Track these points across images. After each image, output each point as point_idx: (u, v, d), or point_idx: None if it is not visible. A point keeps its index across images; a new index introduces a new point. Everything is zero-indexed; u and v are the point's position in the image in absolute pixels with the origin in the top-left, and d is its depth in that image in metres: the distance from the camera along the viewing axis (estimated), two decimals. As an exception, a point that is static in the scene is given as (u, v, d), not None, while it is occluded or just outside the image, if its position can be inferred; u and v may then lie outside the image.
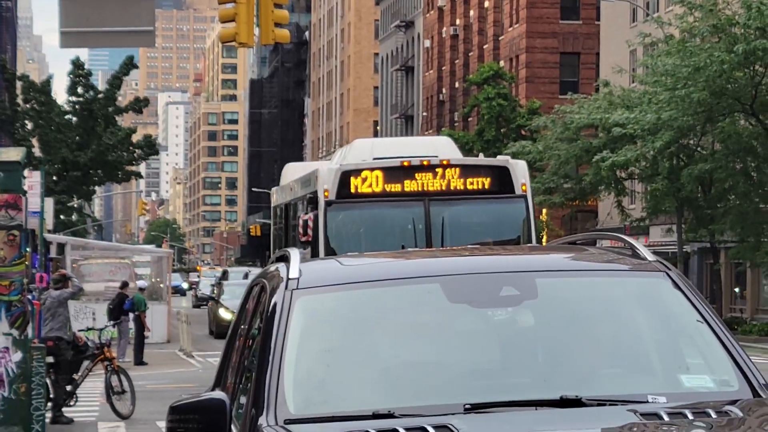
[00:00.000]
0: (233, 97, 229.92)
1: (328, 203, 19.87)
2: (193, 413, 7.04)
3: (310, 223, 19.59)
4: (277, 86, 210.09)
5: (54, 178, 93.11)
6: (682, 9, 76.00)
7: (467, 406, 6.52)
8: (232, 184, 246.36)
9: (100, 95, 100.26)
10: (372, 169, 20.47)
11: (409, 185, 20.53)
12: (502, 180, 21.15)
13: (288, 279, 7.99)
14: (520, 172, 21.59)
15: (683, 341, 8.00)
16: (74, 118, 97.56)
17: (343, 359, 7.65)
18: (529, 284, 7.97)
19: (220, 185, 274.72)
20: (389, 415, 6.43)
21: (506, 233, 20.10)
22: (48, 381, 27.44)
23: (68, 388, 30.89)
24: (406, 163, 20.92)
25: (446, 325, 7.94)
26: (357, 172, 20.44)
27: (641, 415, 6.34)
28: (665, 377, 7.61)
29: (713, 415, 6.41)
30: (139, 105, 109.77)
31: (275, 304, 7.83)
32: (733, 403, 6.76)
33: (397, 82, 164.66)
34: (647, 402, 6.73)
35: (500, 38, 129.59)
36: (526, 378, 7.37)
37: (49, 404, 27.36)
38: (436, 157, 22.35)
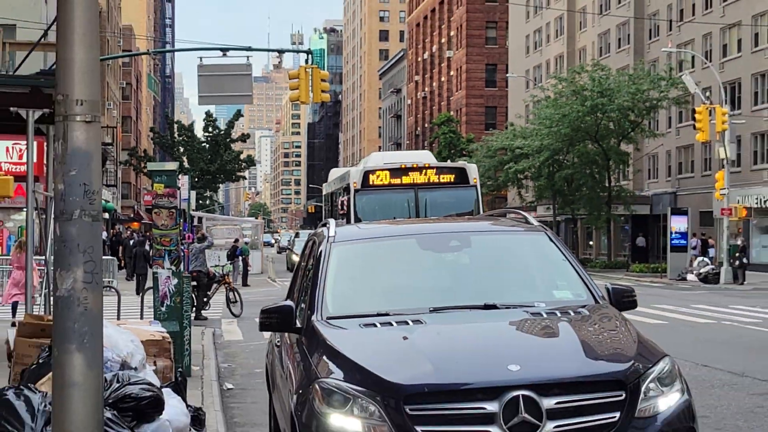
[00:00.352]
0: (298, 133, 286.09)
1: (356, 191, 25.59)
2: (274, 313, 9.58)
3: (346, 203, 25.79)
4: (323, 126, 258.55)
5: (195, 179, 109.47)
6: (554, 80, 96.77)
7: (431, 309, 9.16)
8: (297, 182, 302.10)
9: (221, 132, 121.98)
10: (383, 170, 26.43)
11: (405, 179, 26.58)
12: (461, 176, 27.01)
13: (328, 236, 10.70)
14: (472, 171, 27.99)
15: (554, 271, 10.61)
16: (207, 145, 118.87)
17: (359, 283, 10.38)
18: (466, 239, 11.20)
19: (290, 183, 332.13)
20: (386, 314, 9.02)
21: (464, 208, 25.59)
22: (193, 296, 33.03)
23: (204, 299, 38.35)
24: (403, 166, 26.99)
25: (418, 262, 10.72)
26: (373, 171, 26.35)
27: (531, 313, 8.99)
28: (544, 292, 10.05)
29: (572, 313, 9.05)
30: (244, 138, 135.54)
31: (321, 251, 10.49)
32: (583, 306, 9.38)
33: (391, 124, 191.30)
34: (534, 306, 9.24)
35: (451, 98, 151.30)
36: (465, 293, 9.75)
37: (193, 309, 32.24)
38: (421, 162, 28.88)
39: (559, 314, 8.79)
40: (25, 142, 16.26)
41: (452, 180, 25.48)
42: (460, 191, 25.36)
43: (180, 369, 14.23)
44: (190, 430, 10.81)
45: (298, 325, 9.15)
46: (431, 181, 24.95)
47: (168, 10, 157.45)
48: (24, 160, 29.33)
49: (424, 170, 24.76)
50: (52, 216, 5.80)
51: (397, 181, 24.71)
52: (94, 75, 6.10)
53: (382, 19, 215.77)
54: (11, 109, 17.14)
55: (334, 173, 43.84)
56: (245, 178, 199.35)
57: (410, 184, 24.63)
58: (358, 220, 23.04)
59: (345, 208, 24.25)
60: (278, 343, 10.49)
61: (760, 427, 14.00)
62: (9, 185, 43.37)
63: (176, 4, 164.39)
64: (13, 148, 49.35)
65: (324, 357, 8.01)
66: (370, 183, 24.27)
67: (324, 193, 45.51)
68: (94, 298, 6.05)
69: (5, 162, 51.15)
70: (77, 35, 6.05)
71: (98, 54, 6.25)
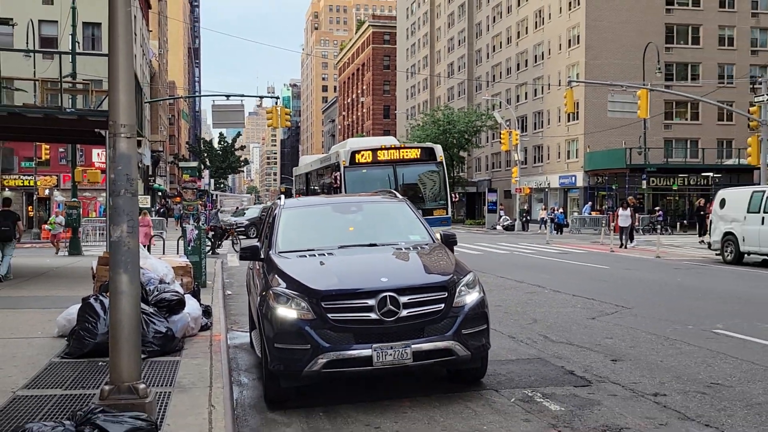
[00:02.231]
0: (275, 145, 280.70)
1: (346, 167, 21.81)
2: (248, 249, 9.32)
3: (338, 178, 21.88)
4: (290, 141, 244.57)
5: (213, 173, 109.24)
6: (422, 115, 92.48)
7: (339, 246, 8.98)
8: (275, 173, 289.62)
9: (229, 144, 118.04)
10: (366, 149, 22.65)
11: (385, 157, 22.67)
12: (430, 154, 23.15)
13: (280, 205, 10.31)
14: (438, 151, 23.69)
15: (410, 225, 10.04)
16: (220, 152, 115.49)
17: (297, 232, 9.65)
18: (360, 206, 10.81)
19: (270, 174, 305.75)
20: (312, 250, 8.82)
21: (433, 180, 22.83)
22: (208, 240, 29.33)
23: (218, 243, 34.18)
24: (383, 146, 23.28)
25: (332, 220, 10.29)
26: (358, 152, 22.35)
27: (395, 248, 8.98)
28: (404, 236, 9.64)
29: (419, 248, 9.01)
30: (242, 148, 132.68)
31: (275, 213, 10.10)
32: (426, 245, 9.31)
33: (329, 140, 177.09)
34: (398, 245, 9.16)
35: (364, 125, 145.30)
36: (359, 237, 9.50)
37: (209, 248, 28.65)
38: (397, 143, 25.64)
39: (411, 249, 8.81)
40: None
41: (423, 157, 22.72)
42: (429, 166, 22.64)
43: (197, 283, 14.23)
44: (201, 317, 10.87)
45: (262, 256, 9.07)
46: (405, 158, 22.34)
47: (196, 72, 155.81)
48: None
49: (400, 150, 22.41)
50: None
51: (378, 158, 21.99)
52: (131, 109, 6.03)
53: (324, 78, 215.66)
54: (96, 130, 16.96)
55: (303, 159, 39.99)
56: (243, 172, 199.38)
57: (389, 161, 21.99)
58: (347, 191, 20.78)
59: (338, 182, 21.61)
60: (251, 267, 10.29)
61: (532, 311, 14.03)
62: (98, 175, 43.07)
63: (202, 68, 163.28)
64: (101, 153, 49.00)
65: (275, 275, 7.98)
66: (357, 161, 21.62)
67: (295, 175, 40.48)
68: (133, 242, 6.01)
69: (98, 161, 50.64)
70: (121, 85, 5.98)
71: (134, 97, 6.14)
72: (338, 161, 21.67)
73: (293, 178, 40.74)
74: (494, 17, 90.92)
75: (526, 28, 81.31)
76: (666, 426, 6.62)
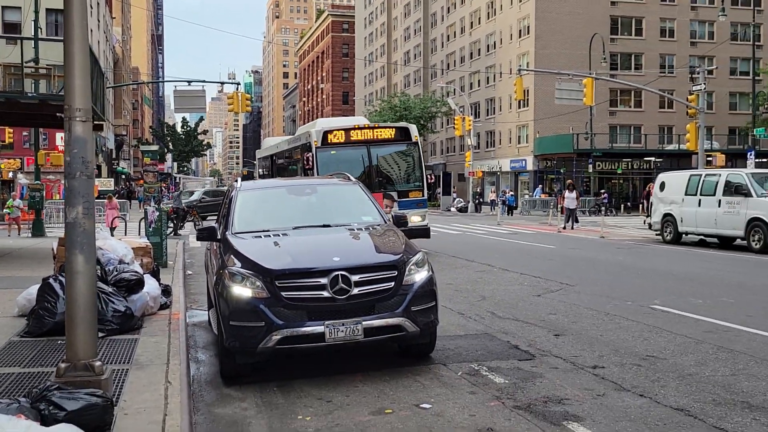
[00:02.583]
0: (237, 130, 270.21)
1: (317, 148, 19.72)
2: (205, 230, 9.21)
3: (310, 160, 19.64)
4: (251, 126, 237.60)
5: (177, 156, 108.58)
6: (380, 101, 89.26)
7: (293, 227, 8.81)
8: (237, 157, 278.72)
9: (192, 129, 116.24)
10: (339, 130, 20.45)
11: (358, 137, 20.57)
12: (405, 134, 20.95)
13: (237, 187, 10.21)
14: (413, 130, 21.50)
15: (362, 207, 9.86)
16: (183, 136, 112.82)
17: (252, 213, 9.47)
18: (314, 188, 10.67)
19: (233, 158, 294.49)
20: (267, 231, 8.68)
21: (408, 161, 20.93)
22: (171, 221, 29.37)
23: (180, 224, 33.51)
24: (356, 126, 21.24)
25: (286, 202, 10.03)
26: (331, 131, 20.17)
27: (348, 229, 8.82)
28: (356, 218, 9.44)
29: (371, 229, 8.92)
30: (205, 132, 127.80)
31: (232, 195, 10.02)
32: (378, 226, 9.21)
33: (289, 126, 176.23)
34: (350, 225, 8.98)
35: (324, 111, 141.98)
36: (312, 218, 9.27)
37: (170, 229, 28.46)
38: (371, 123, 23.42)
39: (363, 230, 8.76)
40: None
41: (397, 137, 20.87)
42: (404, 146, 20.92)
43: (157, 263, 14.15)
44: (161, 296, 10.78)
45: (219, 237, 8.94)
46: (379, 138, 20.60)
47: (159, 59, 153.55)
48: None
49: (374, 129, 20.75)
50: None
51: (351, 138, 20.28)
52: (87, 94, 5.91)
53: (284, 66, 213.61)
54: (57, 114, 16.68)
55: (267, 142, 37.13)
56: (206, 156, 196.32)
57: (362, 141, 20.29)
58: (320, 173, 19.11)
59: (309, 163, 19.83)
60: (209, 248, 10.17)
61: (481, 288, 14.05)
62: (61, 158, 42.32)
63: (165, 55, 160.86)
64: (64, 137, 48.19)
65: (231, 255, 7.91)
66: (329, 141, 19.89)
67: (258, 158, 36.96)
68: (89, 223, 5.92)
69: (61, 145, 49.78)
70: (76, 70, 5.86)
71: (89, 81, 6.02)
72: (309, 141, 20.25)
73: (256, 161, 38.08)
74: (449, 8, 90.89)
75: (479, 18, 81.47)
76: (603, 396, 6.69)
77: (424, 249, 10.97)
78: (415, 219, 19.64)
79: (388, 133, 20.72)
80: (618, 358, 8.19)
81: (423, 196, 21.15)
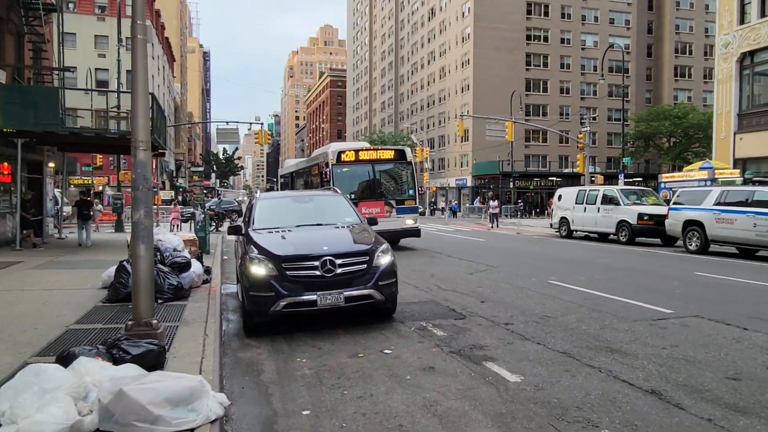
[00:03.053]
0: (263, 156, 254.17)
1: (333, 165, 18.04)
2: (234, 227, 8.94)
3: (327, 174, 18.01)
4: (273, 154, 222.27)
5: (219, 175, 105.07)
6: (364, 138, 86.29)
7: (296, 225, 8.50)
8: (263, 176, 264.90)
9: (230, 155, 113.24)
10: (350, 150, 18.65)
11: (365, 157, 18.61)
12: (402, 155, 18.99)
13: (257, 197, 10.05)
14: (408, 153, 19.48)
15: (345, 211, 9.48)
16: (224, 161, 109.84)
17: (267, 215, 9.07)
18: (311, 198, 10.21)
19: (260, 177, 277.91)
20: (277, 228, 8.38)
21: (403, 177, 18.77)
22: (212, 221, 26.44)
23: (220, 223, 31.10)
24: (363, 148, 19.29)
25: (291, 207, 9.66)
26: (344, 152, 18.50)
27: (334, 227, 8.58)
28: (340, 219, 9.10)
29: (350, 227, 8.61)
30: (239, 158, 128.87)
31: (253, 202, 9.67)
32: (356, 225, 8.89)
33: (299, 154, 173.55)
34: (336, 224, 8.74)
35: (324, 143, 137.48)
36: (309, 219, 8.91)
37: (213, 227, 25.45)
38: (375, 146, 20.77)
39: (345, 227, 8.58)
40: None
41: (395, 157, 18.97)
42: (401, 165, 19.07)
43: (201, 251, 14.02)
44: (203, 274, 10.69)
45: (243, 231, 8.70)
46: (381, 158, 18.78)
47: (207, 106, 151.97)
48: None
49: (377, 150, 19.10)
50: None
51: (360, 158, 18.52)
52: (147, 130, 5.88)
53: (296, 111, 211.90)
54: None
55: (288, 162, 32.36)
56: (240, 174, 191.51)
57: (368, 160, 18.60)
58: (336, 185, 16.79)
59: (327, 176, 18.32)
60: (237, 240, 10.01)
61: (431, 269, 13.81)
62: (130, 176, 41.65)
63: (211, 102, 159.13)
64: (131, 161, 47.33)
65: (251, 245, 7.76)
66: (342, 159, 18.26)
67: (280, 175, 33.16)
68: (148, 222, 5.89)
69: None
70: (140, 113, 5.82)
71: (149, 122, 5.98)
72: (327, 160, 18.63)
73: (278, 178, 34.52)
74: (412, 71, 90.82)
75: (434, 79, 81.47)
76: (511, 344, 6.73)
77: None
78: (408, 222, 18.58)
79: (388, 154, 19.14)
80: (523, 317, 8.21)
81: (415, 204, 19.61)
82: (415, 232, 18.86)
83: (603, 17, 72.28)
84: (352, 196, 16.73)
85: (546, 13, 70.96)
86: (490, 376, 5.61)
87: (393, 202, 18.78)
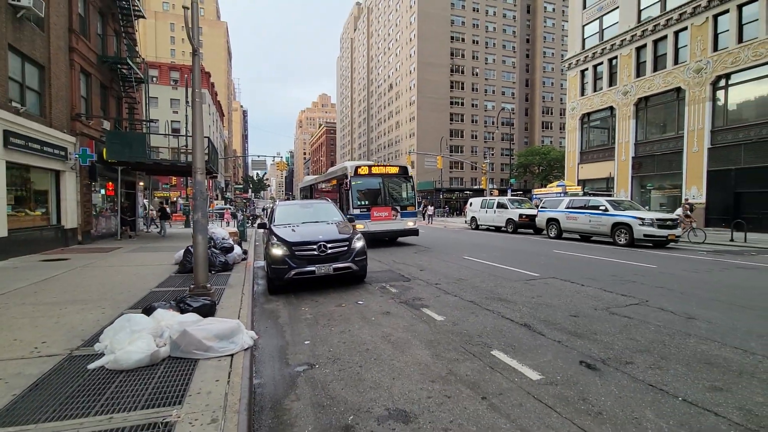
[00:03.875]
0: (282, 179, 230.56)
1: (351, 177, 14.69)
2: (262, 224, 8.16)
3: (347, 184, 14.54)
4: (289, 176, 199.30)
5: (253, 189, 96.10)
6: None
7: (302, 222, 7.88)
8: (284, 191, 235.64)
9: (260, 177, 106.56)
10: (365, 166, 15.23)
11: (376, 171, 15.22)
12: (404, 171, 15.62)
13: (275, 203, 9.20)
14: (409, 169, 16.02)
15: (334, 211, 8.71)
16: (256, 180, 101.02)
17: (284, 215, 8.34)
18: (312, 204, 9.08)
19: (282, 193, 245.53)
20: (290, 224, 7.75)
21: (405, 189, 15.51)
22: (249, 219, 24.38)
23: (253, 221, 26.45)
24: (375, 164, 15.76)
25: (299, 210, 8.66)
26: (360, 167, 15.15)
27: (327, 223, 7.86)
28: (332, 217, 8.19)
29: (338, 223, 7.88)
30: (267, 179, 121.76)
31: (273, 207, 8.90)
32: (341, 222, 8.02)
33: (306, 174, 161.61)
34: (329, 221, 7.94)
35: (322, 172, 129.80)
36: (311, 217, 8.25)
37: (249, 223, 23.49)
38: (384, 163, 18.21)
39: (333, 223, 8.04)
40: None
41: (400, 172, 15.89)
42: (404, 178, 15.86)
43: (241, 239, 13.60)
44: (242, 254, 10.30)
45: (267, 226, 8.10)
46: (389, 173, 15.72)
47: (246, 145, 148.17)
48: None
49: (386, 167, 15.86)
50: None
51: (372, 172, 15.43)
52: (203, 160, 5.72)
53: (304, 150, 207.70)
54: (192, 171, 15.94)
55: (306, 178, 24.69)
56: (267, 189, 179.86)
57: (379, 174, 15.55)
58: (354, 195, 14.74)
59: (347, 186, 15.24)
60: (263, 232, 9.62)
61: (389, 252, 13.51)
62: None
63: (249, 143, 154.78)
64: (192, 180, 45.76)
65: (273, 235, 7.45)
66: (358, 173, 15.18)
67: (300, 187, 26.11)
68: (204, 221, 5.72)
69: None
70: (197, 148, 5.66)
71: (204, 154, 5.82)
72: (346, 173, 15.75)
73: (298, 190, 27.21)
74: (378, 123, 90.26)
75: (392, 128, 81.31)
76: (439, 297, 6.65)
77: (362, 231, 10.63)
78: (409, 224, 15.67)
79: (394, 170, 16.04)
80: (446, 280, 8.12)
81: (414, 210, 16.21)
82: (414, 232, 15.87)
83: (498, 91, 73.44)
84: (366, 202, 14.28)
85: (462, 88, 71.68)
86: (425, 317, 5.56)
87: (398, 208, 15.90)
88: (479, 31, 68.97)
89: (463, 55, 69.04)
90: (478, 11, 68.79)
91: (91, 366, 3.71)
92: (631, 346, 4.37)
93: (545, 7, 71.67)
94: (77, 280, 7.42)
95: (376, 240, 14.24)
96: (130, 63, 16.31)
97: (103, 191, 15.68)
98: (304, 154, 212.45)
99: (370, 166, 16.04)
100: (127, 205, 18.23)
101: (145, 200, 22.90)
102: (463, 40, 68.40)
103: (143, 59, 19.48)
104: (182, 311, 4.82)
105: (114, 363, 3.66)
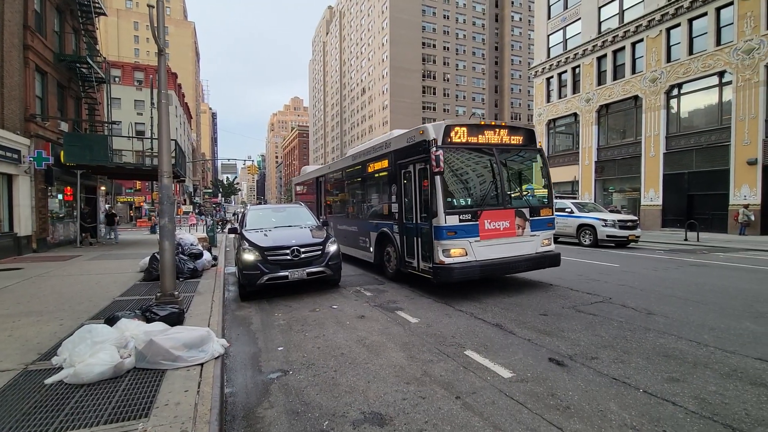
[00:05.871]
0: (253, 183, 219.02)
1: (440, 149, 6.22)
2: (232, 229, 7.77)
3: (426, 169, 6.52)
4: (261, 179, 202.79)
5: (224, 196, 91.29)
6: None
7: (274, 227, 7.70)
8: (255, 195, 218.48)
9: (232, 181, 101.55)
10: (463, 126, 6.68)
11: (485, 138, 6.70)
12: (530, 138, 7.18)
13: (246, 208, 9.19)
14: (537, 134, 7.39)
15: (307, 216, 8.46)
16: (227, 185, 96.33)
17: (255, 220, 8.14)
18: (284, 208, 8.84)
19: (253, 198, 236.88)
20: (261, 228, 7.56)
21: (534, 174, 7.29)
22: (218, 225, 22.92)
23: (223, 226, 25.80)
24: (483, 122, 6.88)
25: (270, 214, 8.51)
26: (455, 126, 6.61)
27: (301, 227, 7.43)
28: (305, 221, 8.09)
29: (311, 227, 7.62)
30: (237, 183, 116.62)
31: (245, 211, 8.66)
32: (316, 226, 7.79)
33: (278, 181, 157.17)
34: (302, 225, 7.69)
35: (296, 175, 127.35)
36: (283, 221, 8.06)
37: (219, 228, 22.53)
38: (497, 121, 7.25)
39: (307, 227, 7.92)
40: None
41: (524, 141, 6.91)
42: (532, 153, 7.01)
43: (210, 245, 13.22)
44: (212, 260, 10.01)
45: (239, 231, 7.90)
46: (506, 142, 6.75)
47: (215, 149, 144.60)
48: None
49: (500, 129, 6.76)
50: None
51: (479, 139, 6.51)
52: (169, 164, 5.56)
53: (276, 153, 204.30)
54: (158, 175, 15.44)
55: (306, 169, 14.31)
56: (238, 194, 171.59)
57: (490, 145, 6.61)
58: (447, 180, 6.22)
59: (436, 165, 5.92)
60: (234, 237, 9.54)
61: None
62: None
63: (218, 146, 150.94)
64: (158, 184, 44.48)
65: (244, 239, 7.29)
66: (452, 138, 6.22)
67: (294, 183, 15.17)
68: (170, 226, 5.55)
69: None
70: (164, 151, 5.51)
71: (170, 158, 5.67)
72: (427, 138, 6.56)
73: (292, 187, 17.19)
74: (351, 127, 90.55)
75: (366, 132, 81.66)
76: (413, 300, 6.61)
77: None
78: (544, 242, 7.35)
79: (516, 137, 7.37)
80: (420, 282, 8.10)
81: (552, 214, 7.66)
82: (552, 260, 7.34)
83: (468, 96, 75.04)
84: (468, 200, 6.68)
85: (434, 93, 72.81)
86: (399, 320, 5.53)
87: (526, 212, 7.57)
88: (450, 38, 70.20)
89: (434, 61, 70.05)
90: (448, 18, 70.02)
91: (49, 381, 3.54)
92: (596, 342, 4.49)
93: (512, 17, 73.79)
94: (32, 291, 7.07)
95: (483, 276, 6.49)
96: (90, 62, 15.65)
97: (60, 196, 14.98)
98: (277, 157, 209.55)
99: (474, 127, 6.98)
100: (88, 210, 17.43)
101: (107, 205, 22.04)
102: (434, 46, 69.40)
103: (105, 58, 18.79)
104: (148, 320, 4.65)
105: (74, 377, 3.49)
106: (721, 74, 17.43)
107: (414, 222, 7.06)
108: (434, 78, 71.24)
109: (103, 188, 20.84)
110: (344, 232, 10.12)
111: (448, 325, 5.29)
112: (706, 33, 18.02)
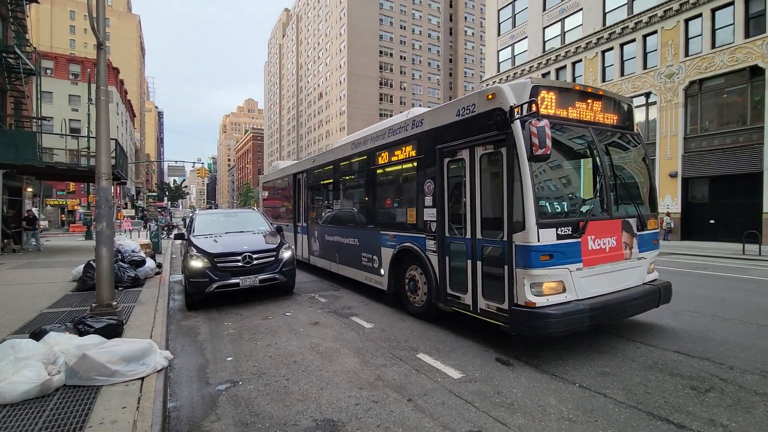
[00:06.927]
0: (204, 185, 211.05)
1: (525, 118, 3.39)
2: (179, 235, 7.49)
3: (505, 150, 3.59)
4: (211, 183, 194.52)
5: (170, 199, 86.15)
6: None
7: (225, 232, 7.56)
8: (205, 200, 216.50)
9: (179, 184, 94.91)
10: (556, 88, 3.78)
11: (582, 113, 3.68)
12: (628, 116, 4.10)
13: (195, 212, 8.87)
14: (634, 112, 4.16)
15: (260, 221, 8.28)
16: (174, 188, 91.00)
17: (204, 225, 7.94)
18: (236, 213, 8.65)
19: (203, 203, 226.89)
20: (211, 234, 7.41)
21: (640, 165, 4.27)
22: (164, 230, 23.02)
23: (169, 233, 25.27)
24: (578, 86, 4.02)
25: (222, 220, 8.30)
26: (547, 88, 3.72)
27: (253, 233, 7.59)
28: (257, 227, 7.99)
29: (265, 233, 7.42)
30: (186, 186, 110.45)
31: (193, 216, 8.51)
32: (269, 232, 7.65)
33: (230, 185, 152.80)
34: (255, 231, 7.69)
35: (249, 180, 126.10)
36: (235, 227, 7.88)
37: (165, 234, 22.66)
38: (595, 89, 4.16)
39: (260, 233, 7.76)
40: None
41: (621, 122, 3.84)
42: (630, 138, 3.87)
43: (155, 251, 12.59)
44: (156, 268, 9.54)
45: (186, 237, 7.63)
46: (606, 121, 3.71)
47: (162, 149, 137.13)
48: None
49: (594, 100, 3.57)
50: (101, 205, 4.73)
51: (578, 108, 3.46)
52: (108, 164, 5.26)
53: (228, 156, 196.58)
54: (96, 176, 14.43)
55: (279, 164, 12.34)
56: (186, 198, 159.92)
57: (587, 123, 3.63)
58: (538, 172, 3.58)
59: (510, 151, 3.29)
60: (182, 243, 9.07)
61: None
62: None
63: (165, 147, 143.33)
64: (95, 187, 41.59)
65: (191, 246, 7.04)
66: (545, 104, 3.15)
67: (262, 183, 13.24)
68: (109, 231, 5.24)
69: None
70: (102, 151, 5.20)
71: (109, 158, 5.35)
72: (499, 107, 3.60)
73: (261, 185, 14.00)
74: (308, 132, 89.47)
75: (322, 137, 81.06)
76: (368, 305, 6.67)
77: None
78: (651, 266, 4.52)
79: (614, 115, 4.15)
80: (373, 289, 8.20)
81: (657, 226, 4.59)
82: (667, 294, 4.49)
83: (424, 105, 76.39)
84: (564, 205, 4.02)
85: (391, 101, 73.86)
86: (353, 325, 5.54)
87: (633, 224, 4.37)
88: (406, 47, 71.64)
89: (391, 69, 71.13)
90: (405, 29, 71.48)
91: (-37, 402, 3.21)
92: (539, 342, 4.67)
93: (465, 31, 76.63)
94: (-57, 304, 6.40)
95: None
96: (18, 52, 14.48)
97: (-21, 198, 13.82)
98: (229, 160, 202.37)
99: (568, 90, 4.09)
100: (12, 214, 15.94)
101: (34, 209, 20.25)
102: (391, 54, 70.52)
103: (35, 48, 17.40)
104: (81, 333, 4.33)
105: (-6, 397, 3.18)
106: (647, 95, 18.82)
107: (468, 236, 4.41)
108: (391, 86, 72.24)
109: (29, 189, 19.17)
110: (335, 244, 8.00)
111: (402, 329, 5.36)
112: (635, 57, 19.46)
